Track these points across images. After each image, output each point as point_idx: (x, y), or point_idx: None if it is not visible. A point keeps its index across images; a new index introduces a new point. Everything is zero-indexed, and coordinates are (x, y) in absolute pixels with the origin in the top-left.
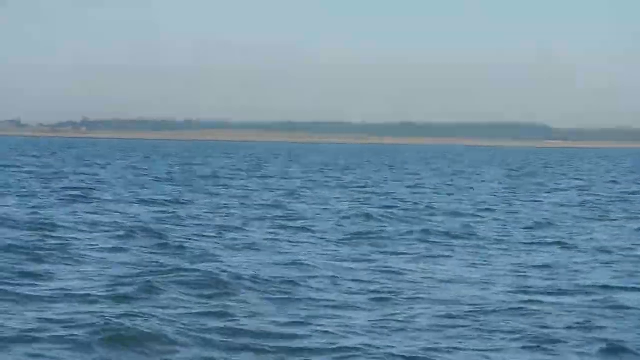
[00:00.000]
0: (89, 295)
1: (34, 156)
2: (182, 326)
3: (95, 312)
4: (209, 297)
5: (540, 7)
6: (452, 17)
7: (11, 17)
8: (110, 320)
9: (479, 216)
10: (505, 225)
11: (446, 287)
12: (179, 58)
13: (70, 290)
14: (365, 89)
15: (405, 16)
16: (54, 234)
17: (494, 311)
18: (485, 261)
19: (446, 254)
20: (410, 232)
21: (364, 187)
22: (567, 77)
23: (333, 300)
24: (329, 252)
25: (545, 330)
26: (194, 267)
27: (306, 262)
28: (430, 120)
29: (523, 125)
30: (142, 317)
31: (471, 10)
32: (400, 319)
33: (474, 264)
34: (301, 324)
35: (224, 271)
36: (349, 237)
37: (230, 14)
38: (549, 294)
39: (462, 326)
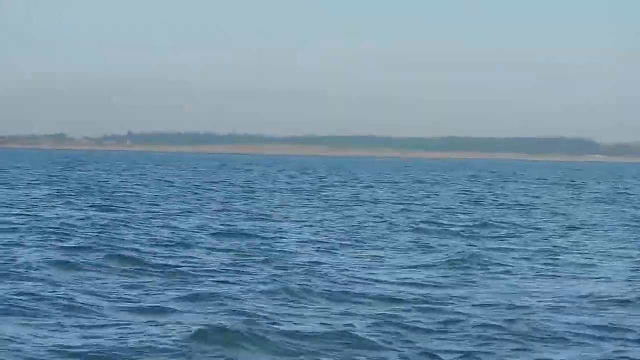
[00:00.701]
0: None
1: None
2: None
3: None
4: None
5: (542, 8)
6: (452, 18)
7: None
8: None
9: None
10: None
11: None
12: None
13: None
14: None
15: (405, 16)
16: None
17: None
18: None
19: None
20: None
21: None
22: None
23: None
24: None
25: None
26: None
27: None
28: (466, 134)
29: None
30: None
31: (471, 10)
32: None
33: None
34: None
35: None
36: None
37: (228, 14)
38: None
39: None
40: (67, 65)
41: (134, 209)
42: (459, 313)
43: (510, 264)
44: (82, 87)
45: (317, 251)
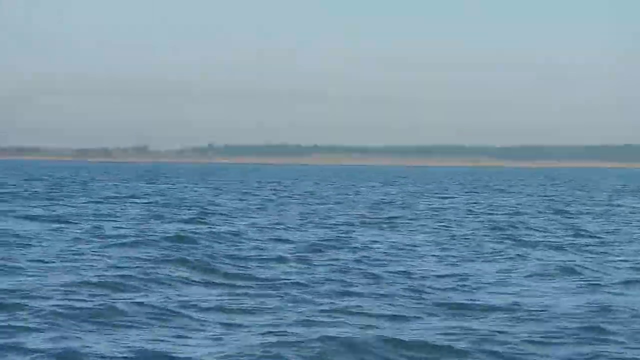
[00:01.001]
0: None
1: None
2: None
3: None
4: None
5: (542, 8)
6: (452, 18)
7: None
8: None
9: None
10: None
11: None
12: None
13: None
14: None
15: (405, 16)
16: None
17: None
18: None
19: None
20: None
21: None
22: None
23: None
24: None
25: None
26: None
27: None
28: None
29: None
30: None
31: (471, 10)
32: None
33: None
34: None
35: None
36: None
37: (228, 14)
38: None
39: None
40: (67, 65)
41: (226, 221)
42: (570, 322)
43: (614, 275)
44: (82, 87)
45: (418, 260)
